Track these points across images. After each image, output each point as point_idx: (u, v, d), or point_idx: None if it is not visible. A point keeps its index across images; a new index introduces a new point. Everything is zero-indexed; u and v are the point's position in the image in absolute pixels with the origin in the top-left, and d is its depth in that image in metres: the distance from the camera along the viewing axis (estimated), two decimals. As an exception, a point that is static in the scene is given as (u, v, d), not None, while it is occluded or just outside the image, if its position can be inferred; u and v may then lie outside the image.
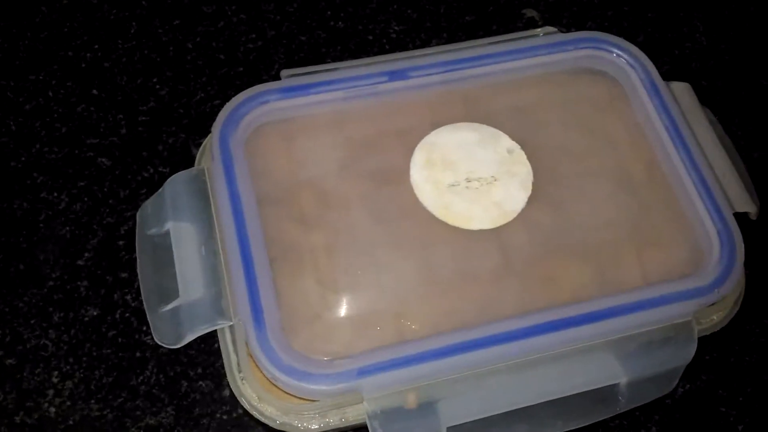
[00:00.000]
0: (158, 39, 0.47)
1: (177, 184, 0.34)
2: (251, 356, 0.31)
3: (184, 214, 0.33)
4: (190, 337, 0.31)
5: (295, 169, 0.35)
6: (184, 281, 0.32)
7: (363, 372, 0.30)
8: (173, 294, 0.32)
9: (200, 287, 0.32)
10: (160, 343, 0.31)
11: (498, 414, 0.31)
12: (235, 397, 0.31)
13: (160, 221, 0.33)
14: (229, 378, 0.31)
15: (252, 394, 0.31)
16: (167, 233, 0.33)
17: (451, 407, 0.31)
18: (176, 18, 0.48)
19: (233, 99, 0.35)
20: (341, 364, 0.30)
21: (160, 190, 0.34)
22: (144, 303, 0.32)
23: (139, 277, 0.33)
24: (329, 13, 0.49)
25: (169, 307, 0.32)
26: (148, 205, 0.34)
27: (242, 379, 0.31)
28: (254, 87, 0.36)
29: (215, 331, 0.32)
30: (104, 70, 0.46)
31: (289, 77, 0.36)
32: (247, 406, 0.31)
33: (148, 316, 0.32)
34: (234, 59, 0.46)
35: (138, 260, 0.33)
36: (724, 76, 0.48)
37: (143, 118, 0.44)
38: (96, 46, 0.47)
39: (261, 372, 0.31)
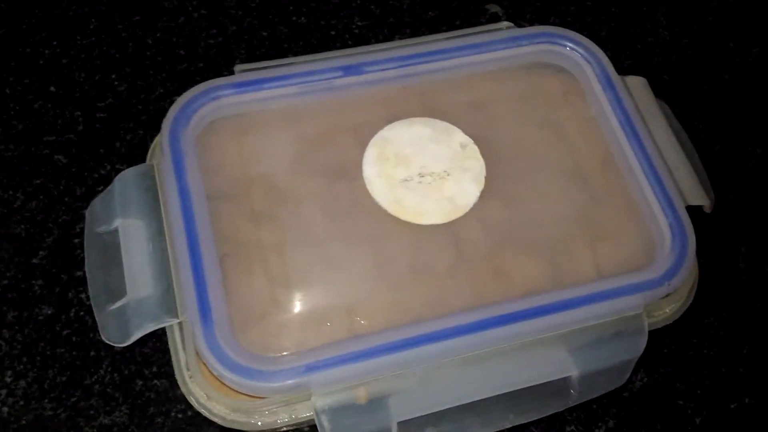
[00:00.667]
0: (117, 35, 0.47)
1: (126, 180, 0.34)
2: (199, 354, 0.30)
3: (133, 211, 0.33)
4: (137, 335, 0.31)
5: (247, 165, 0.34)
6: (131, 279, 0.32)
7: (311, 368, 0.30)
8: (121, 292, 0.32)
9: (148, 285, 0.31)
10: (107, 342, 0.31)
11: (449, 408, 0.31)
12: (190, 396, 0.31)
13: (109, 218, 0.33)
14: (177, 376, 0.31)
15: (200, 392, 0.31)
16: (116, 230, 0.33)
17: (401, 402, 0.31)
18: (136, 14, 0.47)
19: (184, 94, 0.35)
20: (288, 360, 0.30)
21: (110, 186, 0.34)
22: (91, 301, 0.32)
23: (87, 275, 0.32)
24: (291, 8, 0.48)
25: (117, 305, 0.31)
26: (97, 202, 0.34)
27: (191, 377, 0.31)
28: (206, 82, 0.35)
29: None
30: (62, 67, 0.45)
31: (243, 72, 0.36)
32: (195, 405, 0.31)
33: (95, 314, 0.32)
34: (194, 55, 0.46)
35: (86, 258, 0.33)
36: (686, 70, 0.49)
37: (101, 114, 0.44)
38: (54, 43, 0.46)
39: (209, 370, 0.30)
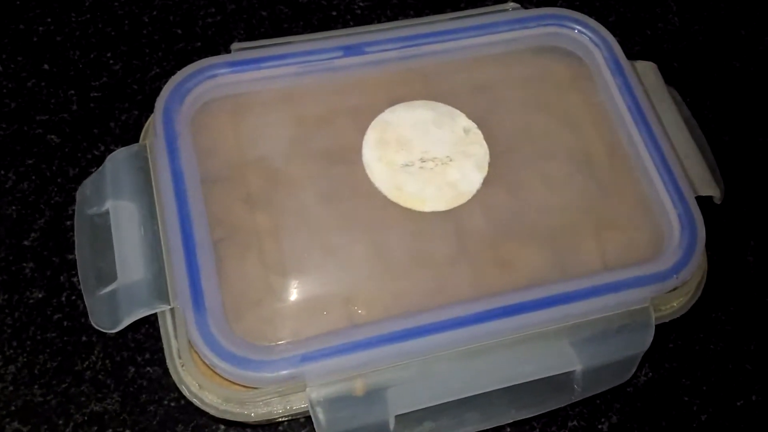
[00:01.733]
0: (113, 12, 0.45)
1: (118, 161, 0.33)
2: (191, 342, 0.29)
3: (125, 193, 0.32)
4: (127, 321, 0.30)
5: (244, 147, 0.33)
6: (122, 263, 0.31)
7: (306, 358, 0.29)
8: (112, 276, 0.31)
9: (140, 269, 0.30)
10: (96, 327, 0.30)
11: (449, 402, 0.30)
12: (182, 384, 0.30)
13: (100, 200, 0.32)
14: (168, 364, 0.30)
15: (192, 381, 0.30)
16: (107, 213, 0.32)
17: (400, 395, 0.30)
18: (132, -9, 0.46)
19: (179, 72, 0.34)
20: (283, 350, 0.29)
21: (101, 167, 0.33)
22: (81, 285, 0.31)
23: (77, 258, 0.32)
24: (292, -13, 0.47)
25: (107, 289, 0.30)
26: (88, 183, 0.33)
27: (182, 366, 0.30)
28: (202, 60, 0.34)
29: (163, 316, 0.31)
30: (56, 44, 0.44)
31: (240, 50, 0.35)
32: (187, 394, 0.30)
33: (85, 299, 0.31)
34: (191, 34, 0.45)
35: (76, 241, 0.32)
36: (697, 57, 0.47)
37: (95, 93, 0.43)
38: (48, 20, 0.45)
39: (201, 359, 0.29)
